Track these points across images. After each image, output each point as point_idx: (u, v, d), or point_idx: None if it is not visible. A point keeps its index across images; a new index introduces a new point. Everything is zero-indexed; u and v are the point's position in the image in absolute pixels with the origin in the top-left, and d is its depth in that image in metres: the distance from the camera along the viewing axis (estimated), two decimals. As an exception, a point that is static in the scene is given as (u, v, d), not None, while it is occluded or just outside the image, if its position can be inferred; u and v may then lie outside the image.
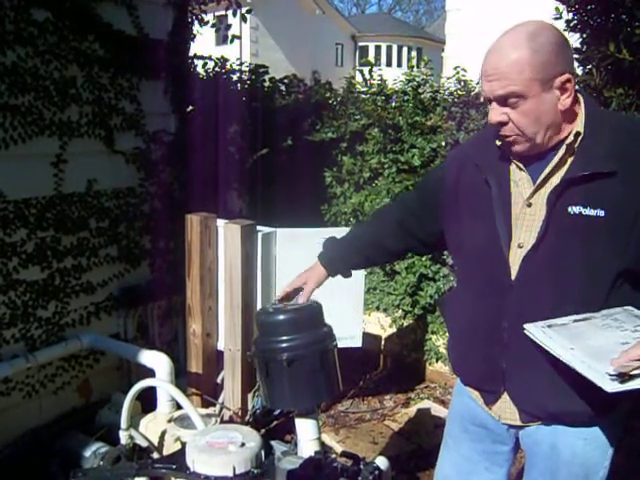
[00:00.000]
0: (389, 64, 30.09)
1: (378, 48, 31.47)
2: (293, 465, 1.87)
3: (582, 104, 1.56)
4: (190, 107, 4.12)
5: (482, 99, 1.61)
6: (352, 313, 3.25)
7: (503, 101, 1.50)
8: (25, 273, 3.00)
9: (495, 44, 1.51)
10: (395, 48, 31.46)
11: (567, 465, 1.65)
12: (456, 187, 1.73)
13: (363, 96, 4.79)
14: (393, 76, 4.94)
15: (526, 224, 1.58)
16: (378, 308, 4.41)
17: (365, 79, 4.89)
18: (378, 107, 4.47)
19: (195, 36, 4.63)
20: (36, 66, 2.93)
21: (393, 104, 4.47)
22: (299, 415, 2.01)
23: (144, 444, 2.67)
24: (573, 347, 1.39)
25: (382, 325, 4.38)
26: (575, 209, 1.48)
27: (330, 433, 3.48)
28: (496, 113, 1.52)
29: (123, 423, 2.60)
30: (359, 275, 3.28)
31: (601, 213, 1.46)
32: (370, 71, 4.86)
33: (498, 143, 1.62)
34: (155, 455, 2.62)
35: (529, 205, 1.57)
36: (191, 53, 4.38)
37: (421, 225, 1.87)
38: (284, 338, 1.85)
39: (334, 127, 4.65)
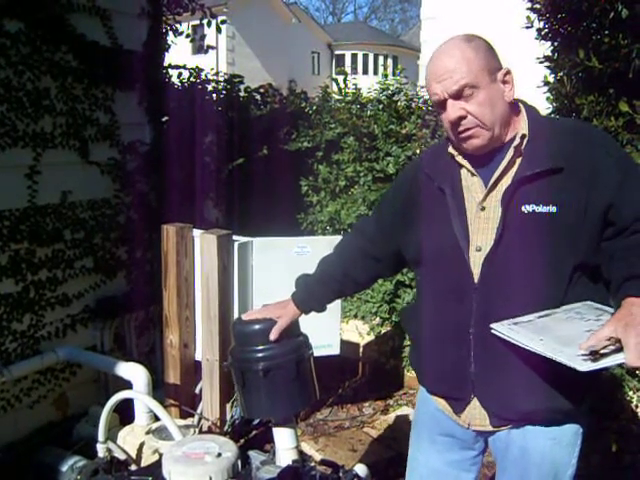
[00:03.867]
0: (365, 72, 30.26)
1: (354, 56, 31.64)
2: (271, 474, 1.87)
3: (523, 110, 1.64)
4: (165, 117, 4.11)
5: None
6: (329, 321, 3.25)
7: (458, 96, 1.55)
8: (-1, 286, 2.97)
9: (436, 53, 1.59)
10: (371, 57, 31.65)
11: (537, 467, 1.67)
12: (409, 202, 1.77)
13: (338, 105, 4.82)
14: (369, 84, 4.98)
15: (481, 227, 1.61)
16: (356, 316, 4.42)
17: (340, 88, 4.92)
18: (353, 116, 4.50)
19: (170, 46, 4.63)
20: (9, 77, 2.91)
21: (368, 112, 4.50)
22: (277, 424, 2.01)
23: (122, 457, 2.65)
24: (542, 338, 1.41)
25: (360, 332, 4.39)
26: (529, 207, 1.53)
27: (309, 441, 3.47)
28: (454, 109, 1.56)
29: (100, 436, 2.59)
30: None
31: (553, 209, 1.51)
32: (345, 80, 4.88)
33: (452, 151, 1.68)
34: (133, 467, 2.61)
35: (482, 208, 1.61)
36: (166, 63, 4.38)
37: (382, 250, 1.88)
38: (260, 348, 1.86)
39: (310, 136, 4.67)
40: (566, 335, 1.40)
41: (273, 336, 1.86)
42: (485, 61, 1.54)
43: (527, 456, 1.67)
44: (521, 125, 1.61)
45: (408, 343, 4.24)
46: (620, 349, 1.31)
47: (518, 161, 1.58)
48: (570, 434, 1.66)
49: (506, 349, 1.50)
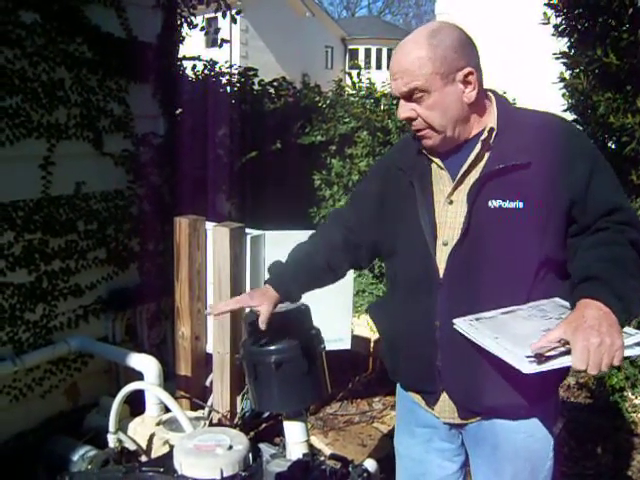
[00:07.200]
0: (379, 67, 30.15)
1: (368, 51, 31.55)
2: (281, 468, 1.87)
3: (494, 102, 1.62)
4: (179, 109, 4.11)
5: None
6: (341, 315, 3.26)
7: (408, 97, 1.54)
8: (12, 276, 2.98)
9: (399, 45, 1.57)
10: (385, 51, 31.52)
11: (510, 462, 1.67)
12: (382, 195, 1.75)
13: (352, 99, 4.81)
14: (383, 79, 4.97)
15: (449, 222, 1.60)
16: (367, 311, 4.40)
17: (354, 82, 4.91)
18: (367, 110, 4.49)
19: (184, 38, 4.63)
20: (24, 68, 2.92)
21: (382, 107, 4.49)
22: (287, 418, 2.01)
23: (132, 447, 2.66)
24: (497, 336, 1.41)
25: (371, 327, 4.37)
26: (495, 203, 1.52)
27: (319, 436, 3.47)
28: (404, 109, 1.56)
29: (111, 426, 2.60)
30: (348, 277, 3.28)
31: (520, 205, 1.50)
32: (359, 74, 4.87)
33: (417, 145, 1.65)
34: (143, 458, 2.62)
35: (450, 202, 1.60)
36: (180, 55, 4.38)
37: (363, 239, 1.83)
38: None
39: (323, 130, 4.66)
40: (522, 334, 1.39)
41: (263, 327, 1.76)
42: (442, 62, 1.49)
43: (498, 452, 1.67)
44: (490, 118, 1.58)
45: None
46: (569, 351, 1.30)
47: (487, 155, 1.56)
48: (542, 428, 1.65)
49: (470, 344, 1.48)
